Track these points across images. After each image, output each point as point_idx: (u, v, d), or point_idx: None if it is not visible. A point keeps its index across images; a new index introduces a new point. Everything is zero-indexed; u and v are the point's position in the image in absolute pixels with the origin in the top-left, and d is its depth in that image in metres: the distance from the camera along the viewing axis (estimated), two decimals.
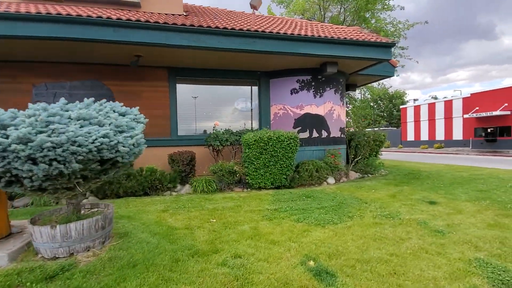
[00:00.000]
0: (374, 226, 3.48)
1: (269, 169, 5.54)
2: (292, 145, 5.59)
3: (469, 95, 25.24)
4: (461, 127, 26.41)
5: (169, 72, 6.81)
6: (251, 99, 7.53)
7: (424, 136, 30.96)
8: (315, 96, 7.30)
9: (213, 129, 6.33)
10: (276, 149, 5.47)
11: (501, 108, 21.96)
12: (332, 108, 7.51)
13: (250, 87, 7.54)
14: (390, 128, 42.64)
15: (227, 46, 5.52)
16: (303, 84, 7.26)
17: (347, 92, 10.77)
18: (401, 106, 37.19)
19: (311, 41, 5.94)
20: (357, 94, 17.74)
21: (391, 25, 14.41)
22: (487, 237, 3.10)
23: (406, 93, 54.99)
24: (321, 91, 7.35)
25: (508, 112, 21.71)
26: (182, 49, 5.52)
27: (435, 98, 38.85)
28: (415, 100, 41.36)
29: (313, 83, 7.28)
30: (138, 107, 3.23)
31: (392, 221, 3.64)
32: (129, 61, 6.04)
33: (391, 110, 53.83)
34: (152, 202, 4.67)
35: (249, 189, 5.70)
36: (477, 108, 23.83)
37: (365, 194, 5.11)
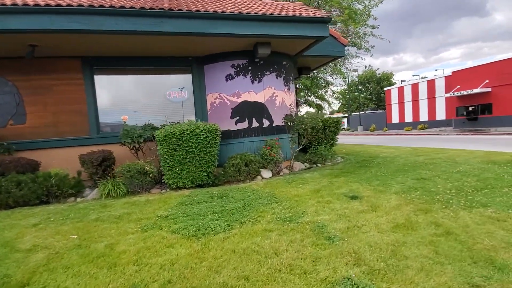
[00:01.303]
0: (259, 234, 2.92)
1: (186, 167, 4.93)
2: (210, 139, 4.96)
3: (450, 74, 24.66)
4: (444, 106, 25.98)
5: (83, 62, 6.05)
6: (185, 88, 6.82)
7: (409, 117, 30.55)
8: (253, 82, 6.62)
9: (123, 124, 5.61)
10: (191, 144, 4.84)
11: (482, 85, 21.47)
12: (274, 94, 6.86)
13: (182, 75, 6.82)
14: (376, 111, 42.12)
15: (127, 28, 4.78)
16: (238, 69, 6.56)
17: (305, 76, 10.07)
18: (385, 88, 36.60)
19: (231, 19, 5.22)
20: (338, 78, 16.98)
21: (357, 1, 13.54)
22: (381, 245, 2.56)
23: (393, 75, 54.28)
24: (259, 76, 6.66)
25: (489, 89, 21.25)
26: (78, 34, 4.78)
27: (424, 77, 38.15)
28: (402, 81, 40.73)
29: (250, 68, 6.59)
30: None
31: (286, 226, 3.08)
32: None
33: (379, 93, 53.13)
34: (33, 214, 4.04)
35: (167, 190, 5.11)
36: (458, 86, 23.31)
37: (287, 190, 4.55)
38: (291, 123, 6.27)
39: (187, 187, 5.07)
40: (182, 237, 2.97)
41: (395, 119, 32.58)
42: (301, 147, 6.56)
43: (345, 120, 52.48)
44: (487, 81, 21.29)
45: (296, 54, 7.14)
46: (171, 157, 4.83)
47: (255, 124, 6.67)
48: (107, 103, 6.42)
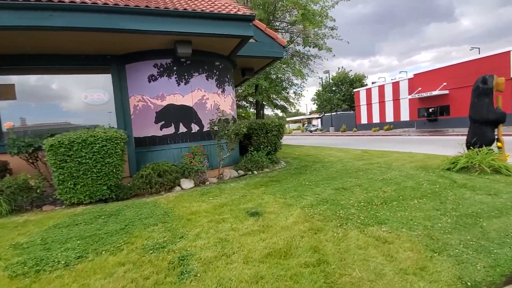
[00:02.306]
0: (105, 270, 2.42)
1: (81, 180, 4.32)
2: (109, 148, 4.39)
3: (413, 76, 25.48)
4: (408, 108, 26.81)
5: None
6: (104, 90, 6.16)
7: (376, 118, 31.31)
8: (178, 84, 6.10)
9: (8, 132, 4.89)
10: (84, 154, 4.25)
11: (440, 87, 22.30)
12: (204, 97, 6.38)
13: (102, 75, 6.16)
14: (346, 112, 42.94)
15: (13, 23, 4.11)
16: (162, 69, 6.02)
17: (248, 77, 9.67)
18: (354, 90, 37.35)
19: (137, 14, 4.67)
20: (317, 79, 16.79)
21: (313, 2, 13.41)
22: (235, 282, 2.15)
23: (365, 77, 55.69)
24: (186, 77, 6.16)
25: (447, 91, 22.11)
26: None
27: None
28: (373, 83, 41.76)
29: (175, 68, 6.07)
30: None
31: (147, 257, 2.61)
32: None
33: (352, 94, 54.30)
34: None
35: (62, 207, 4.47)
36: (420, 88, 24.11)
37: (190, 206, 4.08)
38: (216, 129, 5.82)
39: (85, 202, 4.46)
40: (9, 276, 2.41)
41: (363, 120, 33.30)
42: (228, 153, 6.12)
43: (319, 120, 53.35)
44: (445, 83, 22.14)
45: (230, 54, 6.70)
46: (61, 169, 4.20)
47: (182, 129, 6.16)
48: (12, 107, 5.64)
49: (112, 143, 4.40)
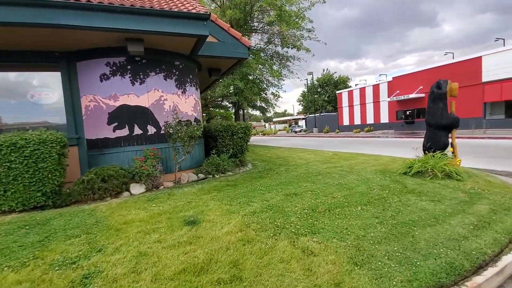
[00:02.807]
0: None
1: (11, 186, 4.00)
2: (42, 152, 4.08)
3: (391, 79, 26.00)
4: (387, 110, 27.34)
5: None
6: (53, 89, 5.81)
7: (357, 120, 31.78)
8: (133, 83, 5.83)
9: None
10: (14, 159, 3.93)
11: (416, 90, 22.85)
12: (161, 98, 6.13)
13: (50, 73, 5.80)
14: (329, 113, 43.40)
15: None
16: (115, 68, 5.73)
17: (215, 77, 9.46)
18: (337, 92, 37.80)
19: (77, 9, 4.38)
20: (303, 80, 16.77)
21: (289, 4, 13.35)
22: None
23: (349, 79, 56.53)
24: (142, 76, 5.90)
25: (423, 95, 22.67)
26: None
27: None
28: (356, 85, 42.33)
29: (129, 67, 5.79)
30: None
31: (45, 277, 2.38)
32: None
33: (336, 96, 54.97)
34: None
35: None
36: (398, 91, 24.62)
37: (129, 214, 3.84)
38: (171, 131, 5.60)
39: (17, 210, 4.14)
40: None
41: (346, 121, 33.74)
42: (184, 157, 5.90)
43: (303, 121, 53.71)
44: (421, 87, 22.70)
45: (192, 54, 6.48)
46: None
47: (137, 131, 5.89)
48: None
49: (46, 146, 4.10)
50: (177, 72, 6.41)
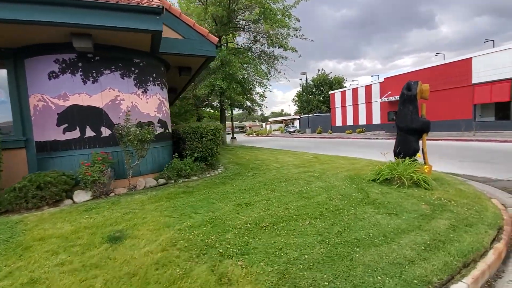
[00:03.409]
0: None
1: None
2: None
3: (383, 80, 25.73)
4: (379, 111, 27.08)
5: None
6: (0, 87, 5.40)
7: (350, 121, 31.51)
8: (85, 82, 5.43)
9: None
10: None
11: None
12: (118, 98, 5.73)
13: None
14: (323, 114, 43.11)
15: None
16: (64, 65, 5.33)
17: (185, 76, 9.07)
18: (330, 92, 37.52)
19: (13, 1, 3.98)
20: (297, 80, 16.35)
21: (272, 1, 12.96)
22: None
23: (344, 79, 56.26)
24: (95, 74, 5.50)
25: None
26: None
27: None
28: (350, 85, 41.98)
29: (80, 64, 5.39)
30: None
31: None
32: None
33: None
34: None
35: None
36: (389, 92, 24.35)
37: (52, 227, 3.44)
38: (122, 134, 5.20)
39: None
40: None
41: (338, 122, 33.46)
42: (137, 162, 5.51)
43: (297, 122, 53.37)
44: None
45: (153, 51, 6.09)
46: None
47: (90, 133, 5.49)
48: None
49: None
50: (136, 70, 6.01)
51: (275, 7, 13.00)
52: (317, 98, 57.07)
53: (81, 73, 5.39)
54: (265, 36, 14.93)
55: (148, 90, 6.31)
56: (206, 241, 2.93)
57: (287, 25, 14.20)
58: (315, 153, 11.41)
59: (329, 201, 4.11)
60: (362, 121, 29.46)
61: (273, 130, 63.01)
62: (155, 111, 6.49)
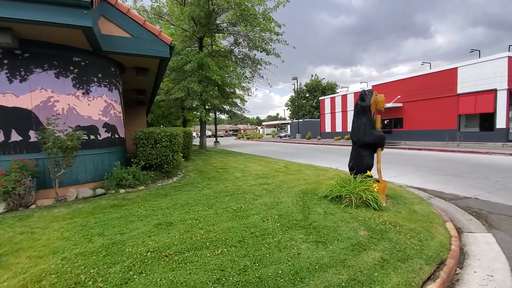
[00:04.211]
0: None
1: None
2: None
3: (371, 88, 25.51)
4: None
5: None
6: None
7: (339, 127, 31.22)
8: (11, 81, 4.90)
9: None
10: None
11: (394, 100, 22.37)
12: (51, 99, 5.22)
13: None
14: (313, 119, 42.86)
15: None
16: None
17: (142, 77, 8.58)
18: (320, 98, 37.30)
19: None
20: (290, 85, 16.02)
21: (249, 2, 12.56)
22: None
23: (337, 85, 56.26)
24: (23, 73, 4.98)
25: (401, 104, 22.19)
26: None
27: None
28: (339, 91, 41.80)
29: (5, 61, 4.87)
30: None
31: None
32: None
33: None
34: None
35: None
36: None
37: None
38: (43, 140, 4.68)
39: None
40: None
41: (328, 128, 33.16)
42: (63, 170, 4.98)
43: (289, 126, 53.08)
44: (399, 96, 22.24)
45: (97, 49, 5.59)
46: None
47: (16, 137, 4.95)
48: None
49: None
50: (76, 70, 5.51)
51: (255, 8, 12.60)
52: (310, 104, 56.94)
53: (7, 71, 4.87)
54: (246, 39, 14.54)
55: (91, 91, 5.80)
56: (81, 276, 2.42)
57: (268, 28, 13.84)
58: (290, 161, 10.97)
59: (261, 223, 3.63)
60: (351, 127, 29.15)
61: (266, 134, 62.59)
62: (99, 115, 5.98)
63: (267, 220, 3.74)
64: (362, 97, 4.45)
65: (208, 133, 68.64)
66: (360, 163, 4.52)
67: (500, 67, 16.33)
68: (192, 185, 6.15)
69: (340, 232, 3.30)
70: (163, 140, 6.73)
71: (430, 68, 22.65)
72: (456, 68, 18.41)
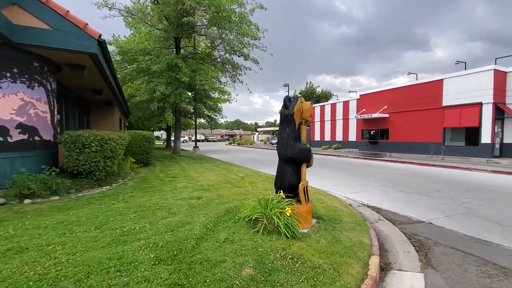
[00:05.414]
0: None
1: None
2: None
3: (359, 97, 25.08)
4: (355, 128, 26.29)
5: None
6: None
7: (328, 136, 30.68)
8: None
9: None
10: None
11: (380, 110, 21.87)
12: None
13: None
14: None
15: None
16: None
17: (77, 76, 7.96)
18: None
19: None
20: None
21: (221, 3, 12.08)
22: None
23: (331, 94, 55.87)
24: None
25: (387, 115, 21.69)
26: None
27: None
28: (327, 100, 41.34)
29: None
30: None
31: None
32: None
33: None
34: None
35: None
36: (364, 109, 23.63)
37: None
38: None
39: None
40: None
41: (317, 136, 32.61)
42: None
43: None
44: (385, 106, 21.74)
45: (7, 40, 4.97)
46: None
47: None
48: None
49: None
50: None
51: (229, 10, 12.08)
52: None
53: None
54: (224, 43, 14.02)
55: (1, 87, 5.16)
56: None
57: (247, 32, 13.33)
58: (256, 171, 10.35)
59: (135, 253, 2.95)
60: (339, 137, 28.63)
61: (260, 140, 61.91)
62: (12, 114, 5.34)
63: (146, 248, 3.07)
64: (285, 104, 3.82)
65: (202, 137, 67.99)
66: (283, 181, 3.87)
67: (485, 80, 15.87)
68: (114, 196, 5.47)
69: (217, 271, 2.63)
70: (93, 144, 6.07)
71: (417, 79, 22.23)
72: (441, 80, 17.96)
